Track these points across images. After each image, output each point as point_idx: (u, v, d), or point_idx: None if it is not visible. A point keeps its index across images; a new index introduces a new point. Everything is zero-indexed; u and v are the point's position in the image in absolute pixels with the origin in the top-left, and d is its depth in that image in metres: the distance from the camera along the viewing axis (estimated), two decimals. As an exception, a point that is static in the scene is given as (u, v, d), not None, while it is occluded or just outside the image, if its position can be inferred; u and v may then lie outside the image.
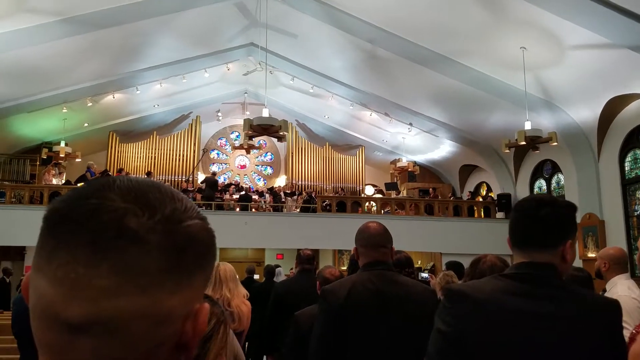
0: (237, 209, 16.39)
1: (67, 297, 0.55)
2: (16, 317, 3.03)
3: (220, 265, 3.52)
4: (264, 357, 6.33)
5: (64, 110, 15.35)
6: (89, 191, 0.60)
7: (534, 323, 1.51)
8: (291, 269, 12.92)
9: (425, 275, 11.76)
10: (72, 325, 0.55)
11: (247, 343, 7.19)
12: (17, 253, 16.23)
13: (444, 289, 1.71)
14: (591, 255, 12.58)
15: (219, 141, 21.15)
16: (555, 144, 11.86)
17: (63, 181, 16.61)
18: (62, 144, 16.43)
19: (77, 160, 17.00)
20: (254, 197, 17.39)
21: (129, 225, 0.57)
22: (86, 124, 17.34)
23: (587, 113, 12.76)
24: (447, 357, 1.55)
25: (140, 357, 0.57)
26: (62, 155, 16.20)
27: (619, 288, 3.59)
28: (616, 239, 12.50)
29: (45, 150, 16.57)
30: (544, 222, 1.64)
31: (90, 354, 0.56)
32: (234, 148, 18.79)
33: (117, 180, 0.62)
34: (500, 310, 1.55)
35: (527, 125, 11.77)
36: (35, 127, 16.33)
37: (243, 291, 3.52)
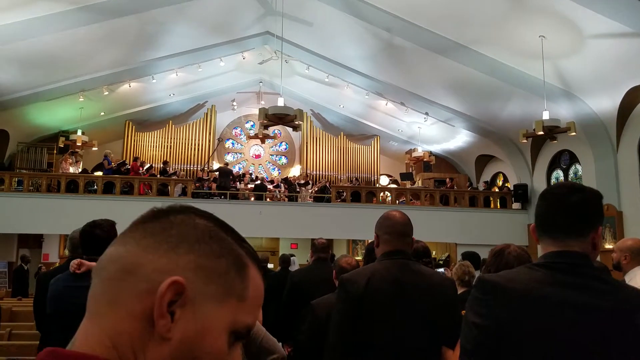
0: (252, 199, 16.43)
1: None
2: (52, 297, 3.15)
3: None
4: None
5: (81, 99, 15.45)
6: None
7: (576, 315, 1.47)
8: (307, 260, 12.94)
9: (441, 270, 11.70)
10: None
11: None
12: (35, 241, 16.44)
13: (476, 279, 1.63)
14: (608, 246, 12.44)
15: (234, 131, 21.17)
16: (574, 134, 11.72)
17: (80, 170, 16.74)
18: (79, 132, 16.52)
19: (94, 149, 17.09)
20: (269, 186, 17.42)
21: (163, 209, 0.75)
22: (102, 113, 17.43)
23: (606, 103, 12.59)
24: (485, 350, 1.51)
25: (115, 299, 0.67)
26: (79, 143, 16.30)
27: (639, 279, 3.56)
28: (634, 230, 12.35)
29: (62, 138, 16.70)
30: (577, 208, 1.60)
31: (90, 295, 0.70)
32: (249, 137, 18.80)
33: None
34: (541, 301, 1.50)
35: (545, 115, 11.64)
36: (52, 116, 16.47)
37: None
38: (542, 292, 1.51)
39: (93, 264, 2.88)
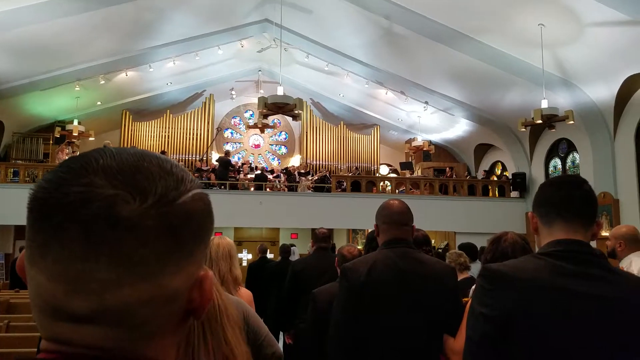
0: (252, 189, 16.41)
1: (69, 292, 0.55)
2: None
3: (214, 240, 2.92)
4: (281, 334, 6.35)
5: (77, 89, 15.31)
6: (71, 176, 0.56)
7: (584, 305, 1.46)
8: (308, 250, 12.97)
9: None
10: (77, 316, 0.55)
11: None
12: (33, 231, 16.40)
13: (482, 269, 1.62)
14: (605, 234, 12.47)
15: (232, 120, 21.09)
16: (572, 122, 11.71)
17: (77, 160, 16.68)
18: (75, 122, 16.45)
19: (91, 139, 17.02)
20: (268, 176, 17.39)
21: (121, 213, 0.54)
22: (99, 103, 17.34)
23: (604, 91, 12.57)
24: (492, 342, 1.49)
25: (151, 332, 0.58)
26: (75, 134, 16.24)
27: (634, 265, 3.68)
28: (630, 217, 12.37)
29: (58, 129, 16.60)
30: (590, 197, 1.62)
31: (97, 339, 0.56)
32: (248, 127, 18.73)
33: (100, 160, 0.58)
34: (548, 291, 1.48)
35: (544, 104, 11.63)
36: (48, 106, 16.35)
37: (238, 273, 2.92)
38: (549, 281, 1.50)
39: None
